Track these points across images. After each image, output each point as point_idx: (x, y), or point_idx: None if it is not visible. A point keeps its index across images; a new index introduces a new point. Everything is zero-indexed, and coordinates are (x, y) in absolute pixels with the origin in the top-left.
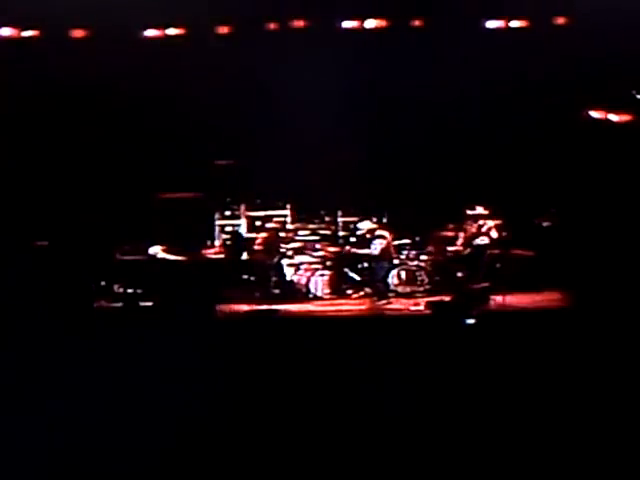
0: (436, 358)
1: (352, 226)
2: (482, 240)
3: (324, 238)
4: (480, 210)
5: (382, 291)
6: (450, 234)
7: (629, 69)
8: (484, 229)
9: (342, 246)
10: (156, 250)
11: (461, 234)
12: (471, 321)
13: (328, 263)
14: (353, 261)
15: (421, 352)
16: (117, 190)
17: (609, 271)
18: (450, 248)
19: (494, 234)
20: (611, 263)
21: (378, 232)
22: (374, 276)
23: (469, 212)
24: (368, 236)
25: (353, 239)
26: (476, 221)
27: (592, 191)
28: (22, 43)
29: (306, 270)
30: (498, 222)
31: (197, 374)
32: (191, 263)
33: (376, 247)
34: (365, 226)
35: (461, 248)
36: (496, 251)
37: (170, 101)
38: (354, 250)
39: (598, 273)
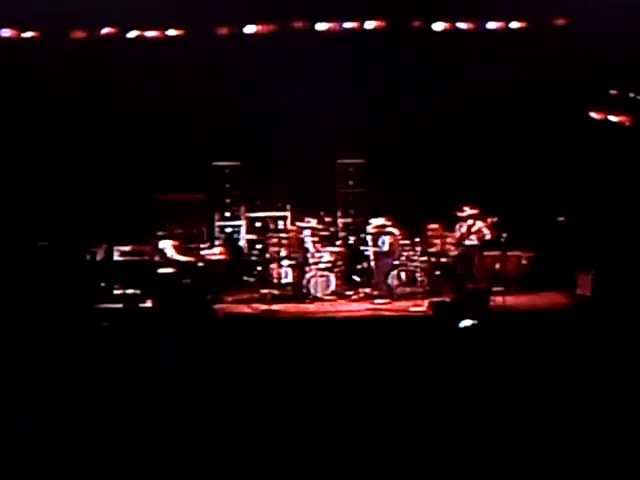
0: (437, 358)
1: (352, 227)
2: (472, 240)
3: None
4: (472, 210)
5: (385, 290)
6: (445, 234)
7: (628, 71)
8: (474, 229)
9: (343, 246)
10: (165, 245)
11: (453, 234)
12: (469, 322)
13: (329, 264)
14: (354, 262)
15: (422, 352)
16: (117, 191)
17: (609, 271)
18: (444, 248)
19: (489, 235)
20: (612, 264)
21: (387, 229)
22: (377, 273)
23: (462, 213)
24: (375, 232)
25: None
26: (465, 221)
27: (592, 192)
28: (22, 43)
29: (309, 271)
30: (493, 221)
31: (196, 374)
32: (191, 264)
33: (384, 243)
34: (375, 222)
35: (452, 248)
36: (496, 252)
37: (169, 101)
38: (362, 248)
39: (599, 273)
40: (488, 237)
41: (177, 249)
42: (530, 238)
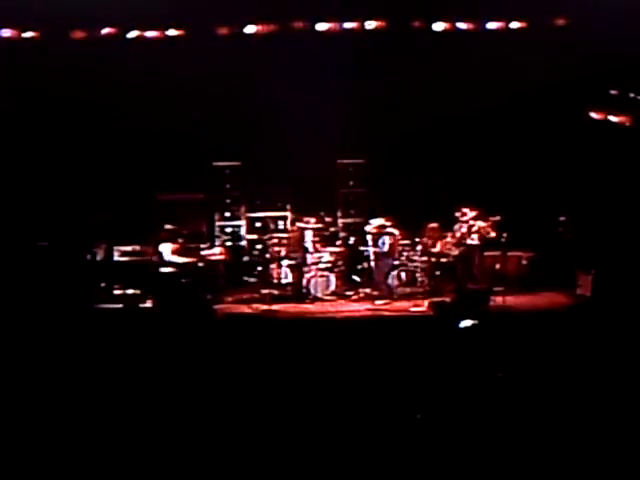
0: (438, 358)
1: (352, 227)
2: (472, 240)
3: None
4: (472, 212)
5: (386, 290)
6: (445, 234)
7: (628, 71)
8: (474, 229)
9: (343, 246)
10: (165, 248)
11: (453, 234)
12: (469, 322)
13: (329, 264)
14: (354, 262)
15: (423, 352)
16: (118, 191)
17: (609, 271)
18: (442, 248)
19: (492, 233)
20: (612, 264)
21: (387, 229)
22: (377, 273)
23: (462, 214)
24: (375, 232)
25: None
26: (466, 221)
27: (592, 192)
28: (22, 44)
29: (308, 271)
30: (495, 221)
31: (197, 374)
32: (190, 265)
33: (384, 243)
34: (376, 223)
35: (452, 248)
36: (496, 252)
37: (169, 101)
38: (362, 248)
39: (599, 273)
40: (492, 235)
41: (177, 252)
42: (530, 238)
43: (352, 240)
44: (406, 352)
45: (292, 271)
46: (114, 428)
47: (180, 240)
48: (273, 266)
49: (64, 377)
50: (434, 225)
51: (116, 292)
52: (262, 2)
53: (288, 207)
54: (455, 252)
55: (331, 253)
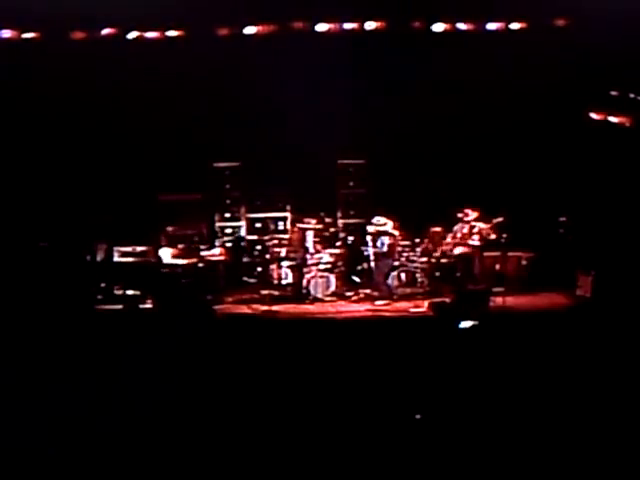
0: (438, 359)
1: (352, 228)
2: (473, 241)
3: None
4: (473, 212)
5: (385, 291)
6: (446, 235)
7: (628, 71)
8: (475, 230)
9: (343, 247)
10: (164, 253)
11: (454, 234)
12: (469, 323)
13: (329, 265)
14: (354, 262)
15: (423, 353)
16: (118, 191)
17: (609, 272)
18: (444, 248)
19: (493, 235)
20: (612, 264)
21: (386, 230)
22: (377, 274)
23: (464, 215)
24: (374, 232)
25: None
26: (467, 222)
27: (592, 193)
28: (22, 44)
29: (309, 272)
30: (497, 222)
31: (197, 375)
32: (191, 265)
33: (383, 244)
34: (378, 221)
35: (452, 248)
36: (496, 252)
37: (170, 102)
38: (362, 248)
39: (599, 274)
40: (493, 237)
41: (177, 256)
42: (530, 239)
43: (352, 240)
44: (406, 353)
45: (292, 272)
46: (114, 428)
47: (180, 245)
48: (273, 267)
49: (64, 377)
50: (437, 229)
51: (116, 293)
52: (262, 2)
53: (288, 208)
54: (455, 252)
55: (331, 254)
